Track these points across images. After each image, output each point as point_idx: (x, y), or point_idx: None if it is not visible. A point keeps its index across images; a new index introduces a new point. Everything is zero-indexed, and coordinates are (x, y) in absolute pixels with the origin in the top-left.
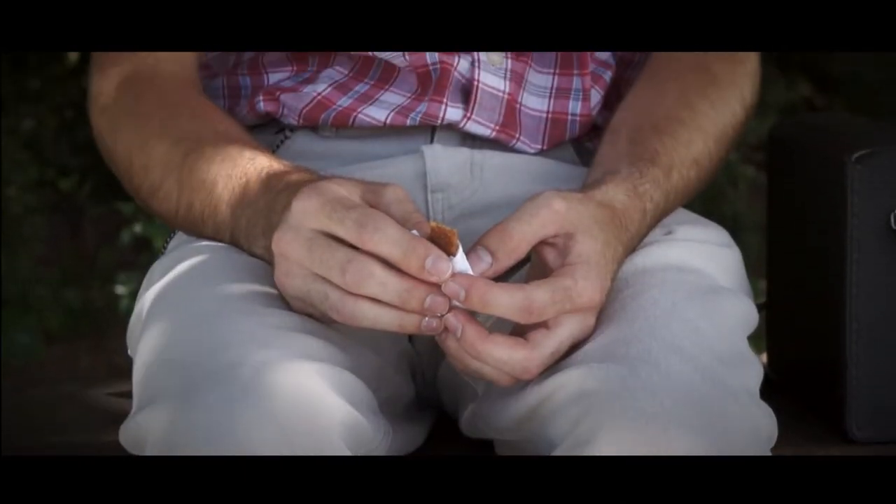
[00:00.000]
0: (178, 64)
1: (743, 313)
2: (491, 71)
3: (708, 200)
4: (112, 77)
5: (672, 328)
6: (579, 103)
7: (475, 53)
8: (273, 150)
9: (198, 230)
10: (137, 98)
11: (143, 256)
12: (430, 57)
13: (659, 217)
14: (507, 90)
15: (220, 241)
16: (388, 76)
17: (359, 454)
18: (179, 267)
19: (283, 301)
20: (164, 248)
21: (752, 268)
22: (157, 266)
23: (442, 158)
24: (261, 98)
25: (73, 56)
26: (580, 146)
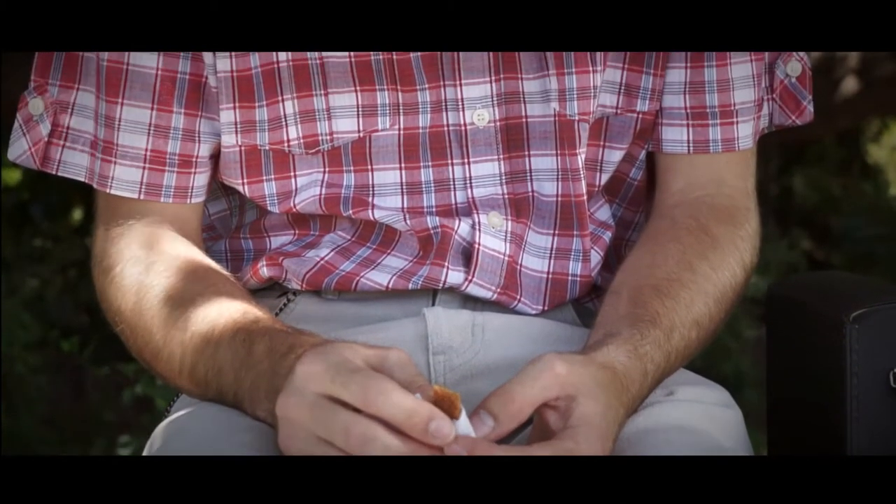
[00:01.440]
0: (181, 226)
1: None
2: (491, 233)
3: (709, 355)
4: (115, 238)
5: None
6: (579, 264)
7: (475, 216)
8: (276, 313)
9: (201, 392)
10: (140, 260)
11: (145, 417)
12: (431, 221)
13: (660, 378)
14: (508, 252)
15: (223, 403)
16: (389, 240)
17: None
18: (181, 433)
19: None
20: (168, 410)
21: (756, 423)
22: (159, 430)
23: (444, 321)
24: (264, 263)
25: (77, 214)
26: (581, 307)
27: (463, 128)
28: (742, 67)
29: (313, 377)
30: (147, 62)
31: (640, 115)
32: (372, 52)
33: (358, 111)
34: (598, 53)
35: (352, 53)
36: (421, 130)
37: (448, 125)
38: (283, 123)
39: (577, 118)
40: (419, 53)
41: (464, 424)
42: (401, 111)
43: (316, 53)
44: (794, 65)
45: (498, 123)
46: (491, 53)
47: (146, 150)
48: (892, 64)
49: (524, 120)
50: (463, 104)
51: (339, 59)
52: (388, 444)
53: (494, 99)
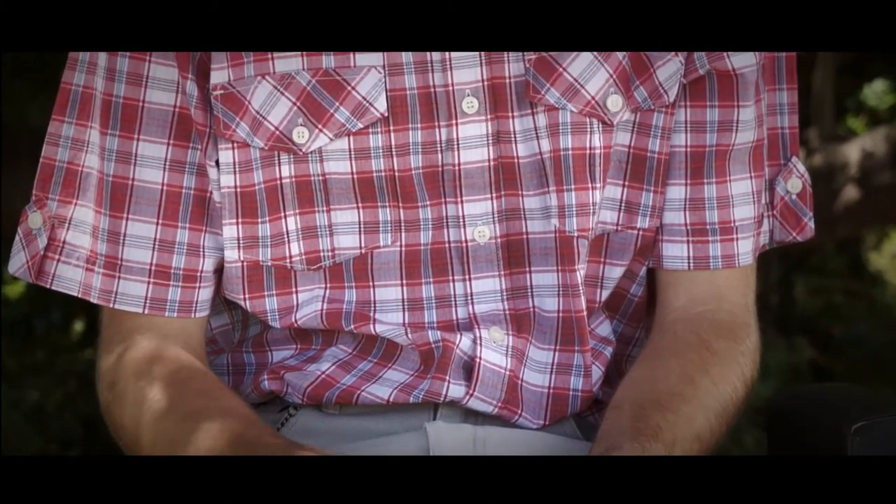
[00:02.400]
0: (185, 340)
1: None
2: (492, 348)
3: None
4: (119, 352)
5: None
6: (581, 379)
7: (476, 331)
8: (277, 428)
9: None
10: (144, 374)
11: None
12: (433, 335)
13: None
14: (509, 367)
15: None
16: (390, 354)
17: None
18: None
19: None
20: None
21: None
22: None
23: (445, 435)
24: (265, 377)
25: (79, 327)
26: (582, 420)
27: (464, 244)
28: (742, 184)
29: None
30: (152, 177)
31: (641, 232)
32: (374, 170)
33: (360, 227)
34: (597, 170)
35: (354, 170)
36: (422, 247)
37: (449, 242)
38: (286, 239)
39: (576, 234)
40: (421, 171)
41: None
42: (402, 228)
43: (318, 169)
44: (795, 182)
45: (499, 240)
46: (492, 171)
47: (151, 264)
48: (892, 172)
49: (525, 236)
50: (464, 221)
51: (341, 175)
52: None
53: (495, 215)
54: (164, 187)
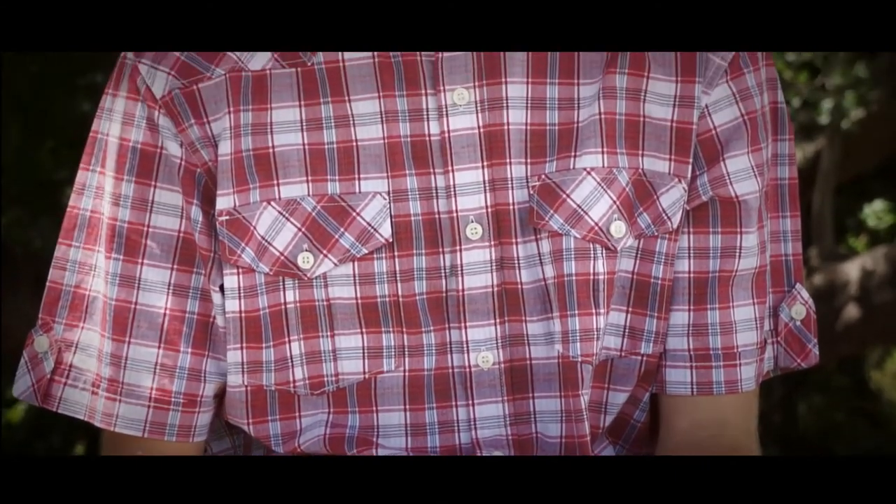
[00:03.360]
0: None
1: None
2: None
3: None
4: None
5: None
6: None
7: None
8: None
9: None
10: None
11: None
12: None
13: None
14: None
15: None
16: None
17: None
18: None
19: None
20: None
21: None
22: None
23: None
24: None
25: (80, 450)
26: None
27: (467, 370)
28: (744, 310)
29: None
30: (156, 301)
31: (645, 358)
32: (378, 295)
33: (363, 353)
34: (601, 296)
35: (358, 296)
36: (426, 373)
37: (453, 367)
38: (290, 364)
39: (580, 359)
40: (425, 296)
41: None
42: (406, 353)
43: (323, 295)
44: (799, 308)
45: (502, 365)
46: (495, 297)
47: (151, 389)
48: (892, 291)
49: (528, 362)
50: (468, 346)
51: (345, 300)
52: None
53: (499, 341)
54: (167, 312)
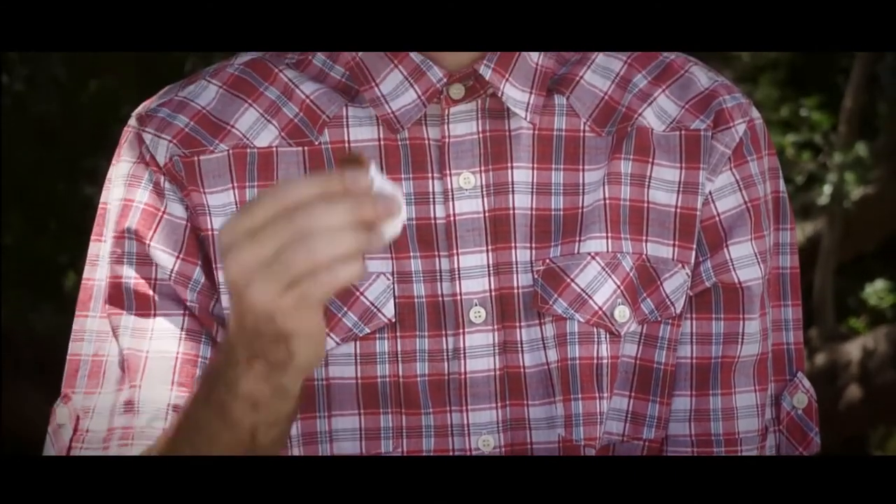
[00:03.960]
0: None
1: None
2: None
3: None
4: None
5: None
6: None
7: None
8: None
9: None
10: None
11: None
12: None
13: None
14: None
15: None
16: None
17: None
18: None
19: None
20: None
21: None
22: None
23: None
24: None
25: None
26: None
27: (468, 453)
28: (746, 397)
29: (229, 226)
30: (168, 347)
31: (647, 443)
32: (379, 375)
33: (361, 434)
34: (605, 380)
35: (358, 375)
36: (424, 453)
37: (453, 450)
38: (288, 444)
39: (583, 443)
40: (427, 378)
41: (379, 180)
42: (404, 435)
43: (323, 374)
44: (801, 397)
45: (503, 449)
46: (497, 380)
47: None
48: (894, 372)
49: (529, 446)
50: (469, 430)
51: (345, 380)
52: (320, 215)
53: (500, 425)
54: (180, 355)
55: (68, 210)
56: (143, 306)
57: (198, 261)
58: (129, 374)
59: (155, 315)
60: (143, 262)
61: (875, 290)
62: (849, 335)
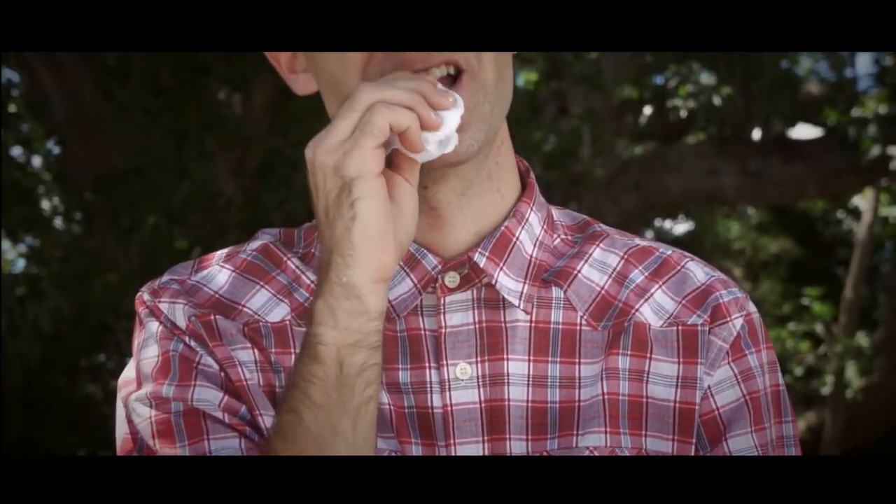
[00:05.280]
0: None
1: None
2: None
3: None
4: None
5: None
6: None
7: None
8: None
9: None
10: None
11: None
12: None
13: None
14: None
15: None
16: None
17: None
18: None
19: None
20: None
21: None
22: None
23: None
24: None
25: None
26: None
27: None
28: None
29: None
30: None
31: None
32: None
33: None
34: None
35: None
36: None
37: None
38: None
39: None
40: None
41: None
42: None
43: None
44: None
45: None
46: None
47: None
48: None
49: None
50: None
51: None
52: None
53: None
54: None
55: (69, 409)
56: (194, 434)
57: (242, 404)
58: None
59: (209, 440)
60: (189, 398)
61: None
62: None
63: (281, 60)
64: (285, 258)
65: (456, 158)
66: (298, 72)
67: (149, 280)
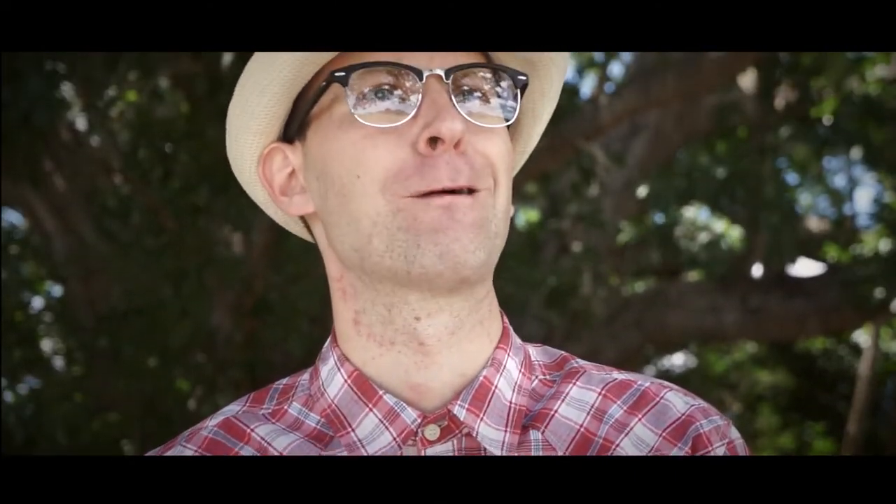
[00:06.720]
0: None
1: None
2: None
3: None
4: None
5: None
6: None
7: None
8: None
9: None
10: None
11: None
12: None
13: None
14: None
15: None
16: None
17: None
18: None
19: None
20: None
21: None
22: None
23: None
24: None
25: None
26: None
27: None
28: None
29: None
30: None
31: None
32: None
33: None
34: None
35: None
36: None
37: None
38: None
39: None
40: None
41: None
42: None
43: None
44: None
45: None
46: None
47: None
48: None
49: None
50: None
51: None
52: None
53: None
54: None
55: None
56: None
57: None
58: None
59: None
60: None
61: None
62: None
63: (275, 183)
64: (248, 429)
65: (467, 272)
66: (293, 194)
67: (149, 420)
